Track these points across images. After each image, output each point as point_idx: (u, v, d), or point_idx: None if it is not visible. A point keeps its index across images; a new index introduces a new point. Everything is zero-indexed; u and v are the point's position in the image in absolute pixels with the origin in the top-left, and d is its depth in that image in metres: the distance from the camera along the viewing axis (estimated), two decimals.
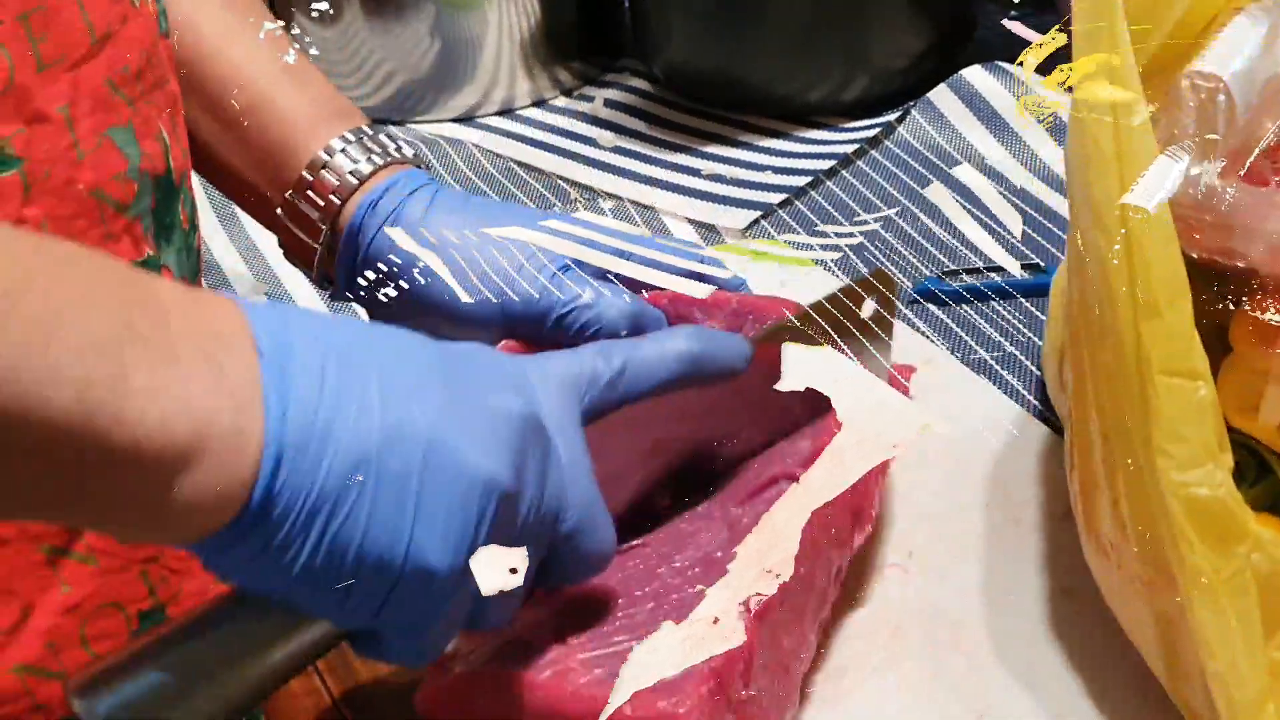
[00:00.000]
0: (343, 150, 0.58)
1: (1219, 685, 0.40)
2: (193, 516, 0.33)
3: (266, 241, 0.83)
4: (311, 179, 0.58)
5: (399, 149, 0.60)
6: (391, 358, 0.37)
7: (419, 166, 0.60)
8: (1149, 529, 0.42)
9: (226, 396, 0.33)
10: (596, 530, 0.42)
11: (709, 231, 0.82)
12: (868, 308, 0.56)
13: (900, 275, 0.76)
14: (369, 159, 0.58)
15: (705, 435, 0.52)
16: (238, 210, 0.86)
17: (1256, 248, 0.41)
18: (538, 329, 0.55)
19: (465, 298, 0.55)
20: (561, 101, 0.99)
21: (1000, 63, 0.92)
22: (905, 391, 0.57)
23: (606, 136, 0.94)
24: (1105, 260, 0.41)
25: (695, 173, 0.88)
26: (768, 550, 0.47)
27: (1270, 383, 0.47)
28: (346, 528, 0.34)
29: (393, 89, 0.97)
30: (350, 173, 0.58)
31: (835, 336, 0.54)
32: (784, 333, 0.52)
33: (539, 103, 0.99)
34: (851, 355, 0.54)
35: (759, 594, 0.45)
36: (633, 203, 0.85)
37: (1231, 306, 0.48)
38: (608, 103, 0.98)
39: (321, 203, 0.58)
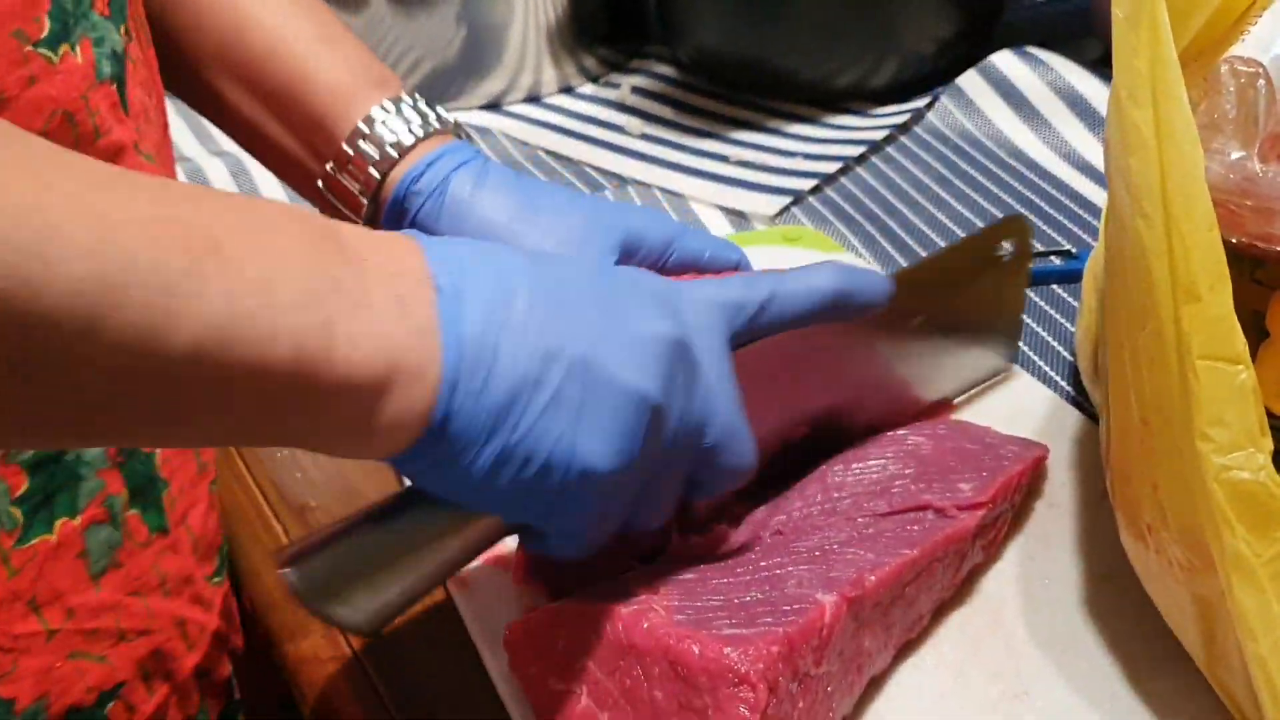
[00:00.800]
0: (383, 121, 0.56)
1: (1259, 668, 0.40)
2: (387, 436, 0.38)
3: None
4: (352, 152, 0.56)
5: (439, 118, 0.58)
6: (553, 285, 0.40)
7: (459, 137, 0.59)
8: (1189, 513, 0.42)
9: (413, 333, 0.37)
10: (737, 445, 0.44)
11: (739, 218, 0.82)
12: (1005, 249, 0.58)
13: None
14: (409, 130, 0.56)
15: (830, 397, 0.55)
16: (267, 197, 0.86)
17: None
18: None
19: None
20: (589, 88, 0.99)
21: (1029, 48, 0.91)
22: None
23: (634, 123, 0.94)
24: (1146, 245, 0.41)
25: (724, 159, 0.88)
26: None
27: None
28: (515, 439, 0.38)
29: (419, 76, 0.97)
30: (391, 145, 0.56)
31: (976, 276, 0.57)
32: (926, 270, 0.55)
33: (566, 90, 0.99)
34: (992, 294, 0.58)
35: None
36: (661, 190, 0.85)
37: (1271, 291, 0.49)
38: (635, 89, 0.98)
39: (362, 176, 0.56)
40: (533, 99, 0.98)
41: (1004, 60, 0.91)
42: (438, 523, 0.42)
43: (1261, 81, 0.43)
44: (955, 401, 0.61)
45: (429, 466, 0.39)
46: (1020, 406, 0.63)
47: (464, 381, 0.38)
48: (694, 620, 0.45)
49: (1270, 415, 0.48)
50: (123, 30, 0.48)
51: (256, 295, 0.34)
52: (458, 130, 0.59)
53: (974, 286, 0.58)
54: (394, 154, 0.56)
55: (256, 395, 0.35)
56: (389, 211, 0.57)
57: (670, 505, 0.45)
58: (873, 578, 0.47)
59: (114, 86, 0.47)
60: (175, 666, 0.55)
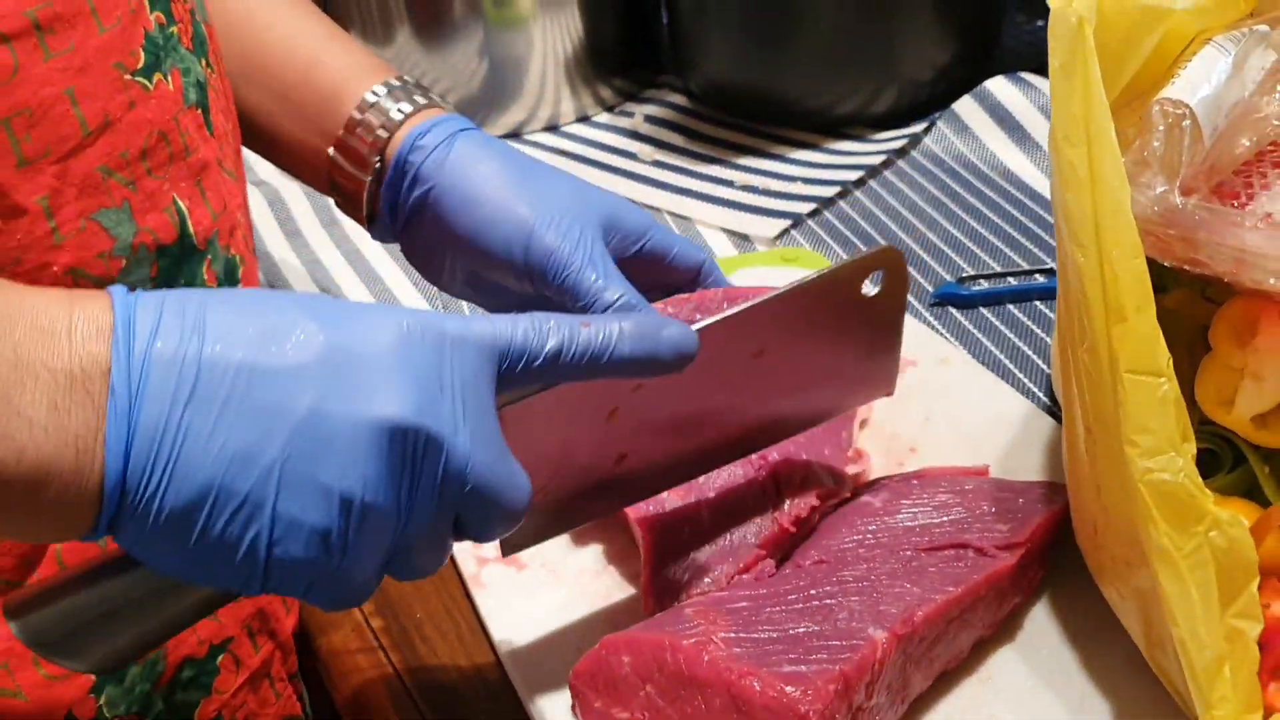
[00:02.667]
0: (388, 93, 0.62)
1: (1183, 650, 0.44)
2: (52, 529, 0.38)
3: (332, 259, 0.89)
4: (361, 116, 0.61)
5: (436, 99, 0.64)
6: (260, 371, 0.37)
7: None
8: (1125, 513, 0.46)
9: (67, 445, 0.36)
10: (499, 490, 0.42)
11: (742, 240, 0.87)
12: (871, 283, 0.54)
13: (922, 279, 0.81)
14: (411, 99, 0.62)
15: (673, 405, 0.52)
16: (301, 225, 0.92)
17: (1220, 259, 0.46)
18: (546, 285, 0.58)
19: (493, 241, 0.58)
20: (604, 117, 1.05)
21: (1023, 73, 0.96)
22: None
23: (646, 150, 0.99)
24: (1082, 271, 0.46)
25: (729, 184, 0.93)
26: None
27: (1244, 378, 0.51)
28: (203, 538, 0.37)
29: None
30: (396, 110, 0.61)
31: (832, 316, 0.53)
32: (770, 307, 0.51)
33: (583, 119, 1.04)
34: (850, 337, 0.55)
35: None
36: (670, 213, 0.90)
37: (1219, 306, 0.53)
38: (647, 118, 1.03)
39: (370, 138, 0.61)
40: (551, 128, 1.04)
41: (998, 86, 0.95)
42: (166, 581, 0.41)
43: (1187, 121, 0.48)
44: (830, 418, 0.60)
45: (125, 544, 0.39)
46: (999, 415, 0.67)
47: (133, 491, 0.36)
48: (752, 654, 0.49)
49: (1210, 422, 0.53)
50: (204, 63, 0.54)
51: None
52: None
53: (831, 320, 0.54)
54: (399, 116, 0.61)
55: None
56: (395, 167, 0.61)
57: (441, 550, 0.43)
58: (921, 614, 0.51)
59: (199, 111, 0.54)
60: (277, 626, 0.61)
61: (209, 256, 0.54)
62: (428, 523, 0.41)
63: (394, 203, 0.62)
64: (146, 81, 0.50)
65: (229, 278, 0.56)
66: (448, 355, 0.40)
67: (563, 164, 0.98)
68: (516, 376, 0.43)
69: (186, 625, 0.43)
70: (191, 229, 0.52)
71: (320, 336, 0.39)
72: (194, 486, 0.37)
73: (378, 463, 0.38)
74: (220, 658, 0.58)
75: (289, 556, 0.38)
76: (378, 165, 0.61)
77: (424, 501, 0.40)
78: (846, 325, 0.55)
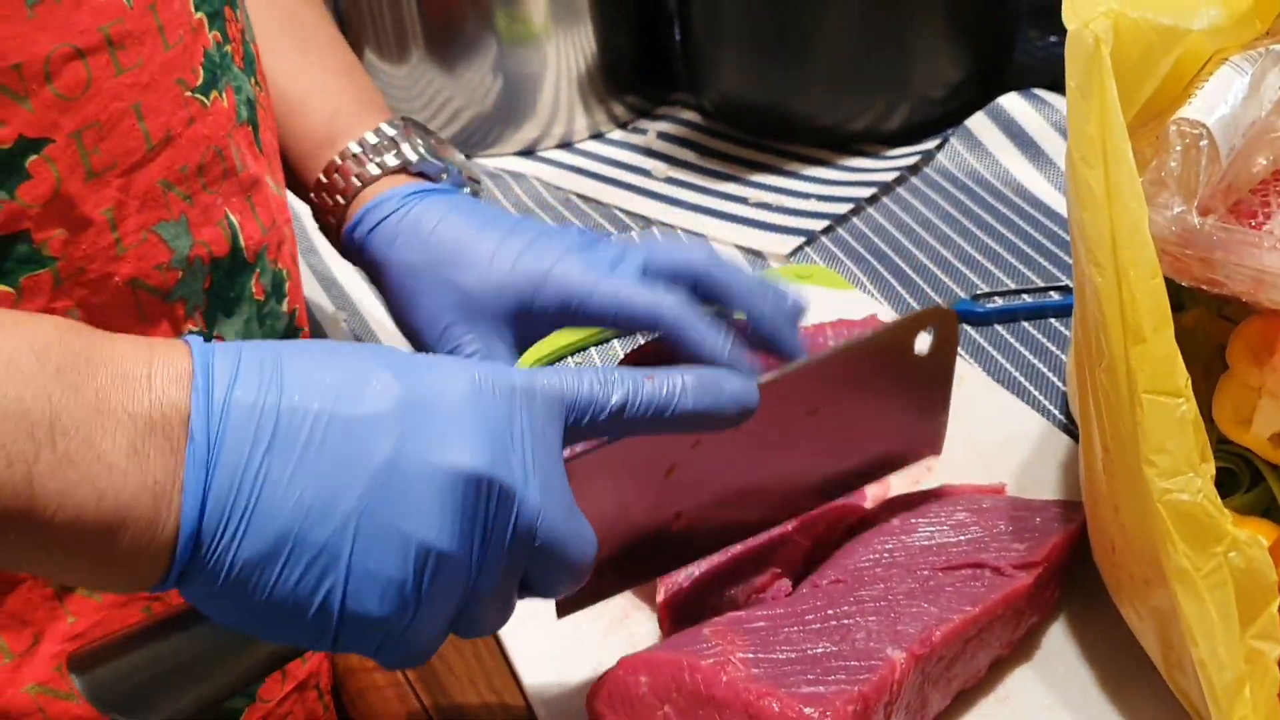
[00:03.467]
0: (361, 152, 0.62)
1: (1202, 671, 0.44)
2: (124, 579, 0.37)
3: (345, 272, 0.89)
4: (326, 181, 0.62)
5: (424, 152, 0.63)
6: (339, 420, 0.37)
7: (431, 177, 0.63)
8: (1143, 532, 0.46)
9: (145, 489, 0.36)
10: (568, 545, 0.42)
11: (755, 256, 0.87)
12: (922, 342, 0.54)
13: (937, 296, 0.81)
14: (381, 161, 0.62)
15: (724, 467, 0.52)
16: (316, 242, 0.93)
17: (1238, 279, 0.46)
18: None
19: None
20: (617, 134, 1.05)
21: (1036, 90, 0.96)
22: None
23: (659, 167, 0.99)
24: (1099, 291, 0.46)
25: (743, 201, 0.94)
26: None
27: (1262, 397, 0.51)
28: (275, 590, 0.37)
29: (459, 125, 1.03)
30: (355, 176, 0.62)
31: (884, 373, 0.53)
32: (821, 366, 0.51)
33: (596, 136, 1.05)
34: (900, 396, 0.54)
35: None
36: (684, 230, 0.91)
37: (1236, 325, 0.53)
38: (660, 135, 1.03)
39: (331, 201, 0.62)
40: (565, 145, 1.04)
41: (1011, 103, 0.96)
42: (232, 636, 0.41)
43: (1204, 141, 0.48)
44: (879, 479, 0.59)
45: (191, 598, 0.38)
46: (1015, 432, 0.67)
47: (209, 539, 0.36)
48: (770, 674, 0.49)
49: (1228, 441, 0.53)
50: (253, 82, 0.55)
51: None
52: (437, 156, 0.64)
53: (882, 378, 0.54)
54: (358, 183, 0.61)
55: None
56: (350, 231, 0.61)
57: (507, 607, 0.43)
58: (939, 634, 0.50)
59: (250, 128, 0.55)
60: None
61: (258, 270, 0.55)
62: (497, 577, 0.40)
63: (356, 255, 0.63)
64: (204, 99, 0.51)
65: (276, 291, 0.57)
66: (518, 407, 0.40)
67: (576, 181, 0.99)
68: (582, 429, 0.43)
69: (251, 682, 0.43)
70: (242, 243, 0.53)
71: (395, 387, 0.38)
72: (270, 536, 0.36)
73: (453, 513, 0.38)
74: None
75: (362, 611, 0.37)
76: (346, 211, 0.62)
77: (495, 554, 0.40)
78: (897, 384, 0.55)
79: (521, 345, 0.58)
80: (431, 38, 1.00)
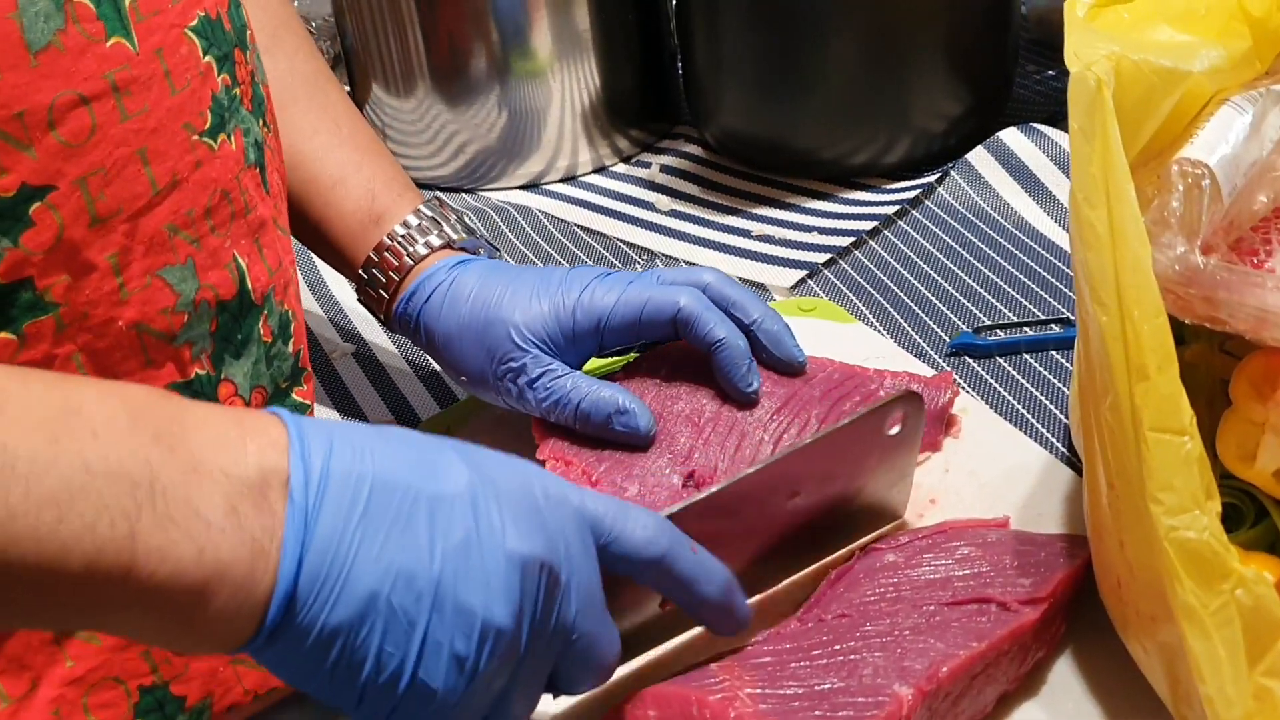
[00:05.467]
0: (405, 235, 0.68)
1: (1210, 708, 0.44)
2: (210, 639, 0.38)
3: (351, 304, 0.90)
4: (377, 259, 0.68)
5: (456, 225, 0.69)
6: (422, 495, 0.39)
7: (472, 251, 0.69)
8: (1150, 569, 0.47)
9: (244, 545, 0.37)
10: (600, 645, 0.45)
11: (758, 289, 0.88)
12: (893, 425, 0.58)
13: (938, 329, 0.81)
14: (425, 242, 0.68)
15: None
16: (325, 275, 0.93)
17: (1241, 318, 0.46)
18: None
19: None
20: (621, 168, 1.06)
21: (1035, 124, 0.97)
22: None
23: (663, 200, 1.00)
24: (1103, 329, 0.46)
25: (746, 234, 0.94)
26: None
27: (1266, 433, 0.52)
28: (355, 653, 0.38)
29: (464, 159, 1.04)
30: (409, 255, 0.68)
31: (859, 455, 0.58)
32: (806, 455, 0.55)
33: (600, 169, 1.06)
34: (872, 474, 0.59)
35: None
36: (687, 263, 0.91)
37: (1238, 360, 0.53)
38: (664, 168, 1.04)
39: (383, 279, 0.69)
40: (569, 178, 1.05)
41: (1011, 137, 0.96)
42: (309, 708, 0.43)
43: (1206, 181, 0.48)
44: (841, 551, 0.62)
45: (267, 661, 0.39)
46: (1018, 465, 0.68)
47: (304, 598, 0.37)
48: (778, 710, 0.49)
49: (1232, 477, 0.54)
50: (261, 124, 0.56)
51: (45, 511, 0.34)
52: (469, 230, 0.70)
53: (857, 461, 0.58)
54: (410, 262, 0.68)
55: (48, 596, 0.35)
56: (401, 303, 0.68)
57: (533, 701, 0.45)
58: (945, 669, 0.51)
59: (257, 170, 0.55)
60: None
61: (265, 311, 0.55)
62: (539, 664, 0.42)
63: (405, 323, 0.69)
64: (212, 142, 0.51)
65: (283, 332, 0.57)
66: (567, 512, 0.43)
67: (580, 214, 0.99)
68: (608, 556, 0.45)
69: None
70: (250, 285, 0.54)
71: (465, 471, 0.41)
72: (359, 600, 0.38)
73: (514, 594, 0.40)
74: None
75: (428, 683, 0.39)
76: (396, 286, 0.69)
77: (540, 641, 0.42)
78: (870, 463, 0.59)
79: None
80: (437, 72, 1.01)
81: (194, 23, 0.50)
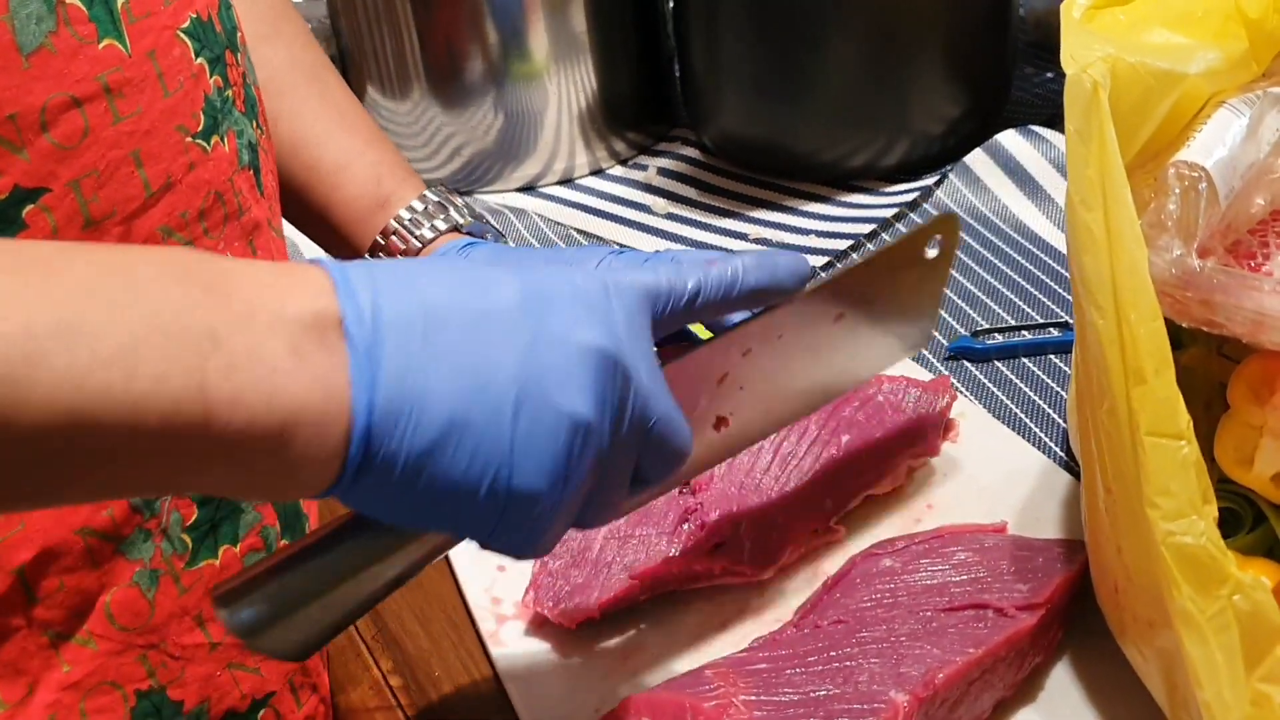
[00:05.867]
0: (411, 219, 0.66)
1: (1208, 714, 0.44)
2: (294, 483, 0.37)
3: None
4: (384, 243, 0.66)
5: (463, 210, 0.68)
6: (477, 311, 0.40)
7: (479, 235, 0.68)
8: (1147, 573, 0.46)
9: (314, 385, 0.36)
10: (675, 432, 0.45)
11: None
12: (932, 248, 0.58)
13: (936, 332, 0.81)
14: (433, 225, 0.66)
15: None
16: None
17: (1237, 321, 0.46)
18: None
19: None
20: (618, 170, 1.06)
21: (1033, 126, 0.97)
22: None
23: (660, 203, 1.00)
24: (1100, 333, 0.46)
25: (743, 237, 0.94)
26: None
27: (1264, 437, 0.52)
28: (447, 474, 0.38)
29: (461, 162, 1.04)
30: (416, 238, 0.66)
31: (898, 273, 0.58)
32: (852, 274, 0.56)
33: (597, 172, 1.05)
34: (909, 299, 0.59)
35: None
36: None
37: (1235, 364, 0.53)
38: (661, 171, 1.04)
39: (401, 248, 0.66)
40: (566, 181, 1.05)
41: (1009, 139, 0.96)
42: (380, 544, 0.42)
43: (1203, 184, 0.48)
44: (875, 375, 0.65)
45: (357, 500, 0.39)
46: (1016, 470, 0.67)
47: (382, 427, 0.37)
48: (774, 717, 0.49)
49: (1230, 481, 0.53)
50: (254, 125, 0.56)
51: (114, 369, 0.33)
52: (475, 214, 0.68)
53: (896, 283, 0.59)
54: (418, 245, 0.65)
55: (133, 459, 0.35)
56: None
57: (621, 500, 0.45)
58: (942, 676, 0.51)
59: (251, 172, 0.55)
60: (319, 681, 0.61)
61: None
62: (622, 457, 0.43)
63: None
64: (205, 144, 0.51)
65: None
66: (615, 303, 0.43)
67: (577, 217, 0.99)
68: (664, 320, 0.45)
69: (381, 599, 0.44)
70: None
71: (515, 281, 0.41)
72: (438, 422, 0.37)
73: (593, 384, 0.40)
74: (262, 711, 0.58)
75: (527, 487, 0.39)
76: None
77: (622, 431, 0.42)
78: (908, 287, 0.59)
79: None
80: (433, 75, 1.01)
81: (186, 24, 0.50)
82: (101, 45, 0.46)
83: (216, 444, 0.35)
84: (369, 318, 0.38)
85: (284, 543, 0.54)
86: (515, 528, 0.40)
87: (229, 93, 0.53)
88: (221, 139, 0.52)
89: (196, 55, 0.51)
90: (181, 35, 0.50)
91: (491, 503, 0.39)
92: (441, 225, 0.67)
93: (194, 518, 0.50)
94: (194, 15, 0.51)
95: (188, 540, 0.50)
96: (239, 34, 0.55)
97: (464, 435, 0.38)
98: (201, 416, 0.35)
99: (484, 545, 0.42)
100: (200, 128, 0.51)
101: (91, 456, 0.34)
